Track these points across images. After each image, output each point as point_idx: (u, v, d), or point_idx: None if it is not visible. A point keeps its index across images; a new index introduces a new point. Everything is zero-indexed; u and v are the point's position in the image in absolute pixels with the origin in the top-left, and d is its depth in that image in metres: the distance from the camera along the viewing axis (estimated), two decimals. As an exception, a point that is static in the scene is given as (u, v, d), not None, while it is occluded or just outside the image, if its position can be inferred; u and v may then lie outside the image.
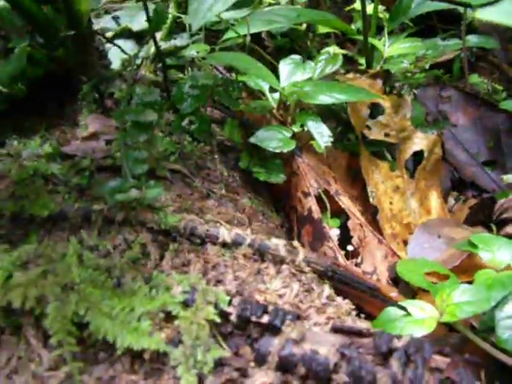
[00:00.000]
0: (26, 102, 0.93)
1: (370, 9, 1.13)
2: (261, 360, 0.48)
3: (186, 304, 0.51)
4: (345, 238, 0.87)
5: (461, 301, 0.72)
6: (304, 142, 0.91)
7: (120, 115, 0.68)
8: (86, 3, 0.74)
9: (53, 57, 0.86)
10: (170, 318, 0.51)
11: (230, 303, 0.51)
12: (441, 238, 0.94)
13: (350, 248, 0.83)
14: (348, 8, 1.31)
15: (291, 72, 0.87)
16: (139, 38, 1.01)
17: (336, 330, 0.51)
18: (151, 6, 1.16)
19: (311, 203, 0.86)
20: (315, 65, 0.89)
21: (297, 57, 0.90)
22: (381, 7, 1.21)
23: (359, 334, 0.51)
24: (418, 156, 1.02)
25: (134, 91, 0.69)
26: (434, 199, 1.02)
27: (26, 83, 0.91)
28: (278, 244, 0.66)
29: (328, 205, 0.86)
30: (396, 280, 0.90)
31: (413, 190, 0.99)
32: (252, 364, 0.49)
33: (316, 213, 0.86)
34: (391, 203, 0.96)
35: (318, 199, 0.87)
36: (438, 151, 1.02)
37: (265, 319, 0.50)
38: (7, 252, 0.61)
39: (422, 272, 0.83)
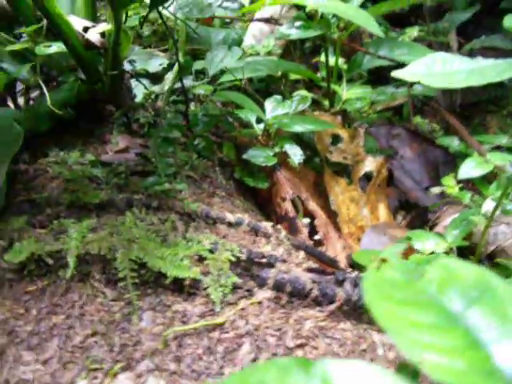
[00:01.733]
0: (64, 123, 1.18)
1: (332, 60, 1.44)
2: (262, 283, 0.74)
3: (211, 251, 0.77)
4: (312, 234, 1.15)
5: (396, 271, 1.00)
6: (281, 160, 1.19)
7: (154, 132, 0.95)
8: (127, 51, 1.02)
9: (92, 89, 1.12)
10: (201, 259, 0.76)
11: (240, 252, 0.77)
12: (386, 235, 1.23)
13: (317, 237, 1.10)
14: (314, 60, 1.63)
15: (274, 108, 1.16)
16: (153, 78, 1.29)
17: (309, 269, 0.78)
18: (159, 54, 1.45)
19: (288, 206, 1.14)
20: (290, 103, 1.19)
21: (278, 97, 1.19)
22: (342, 59, 1.54)
23: (325, 272, 0.78)
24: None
25: (165, 116, 0.96)
26: (382, 209, 1.31)
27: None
28: (266, 225, 0.93)
29: (300, 207, 1.14)
30: (352, 266, 1.17)
31: (365, 201, 1.28)
32: (256, 288, 0.74)
33: (291, 213, 1.13)
34: (348, 210, 1.24)
35: (293, 203, 1.14)
36: (384, 172, 1.32)
37: (263, 260, 0.76)
38: (76, 224, 0.86)
39: (371, 258, 1.11)
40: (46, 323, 0.79)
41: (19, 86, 1.42)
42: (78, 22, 1.06)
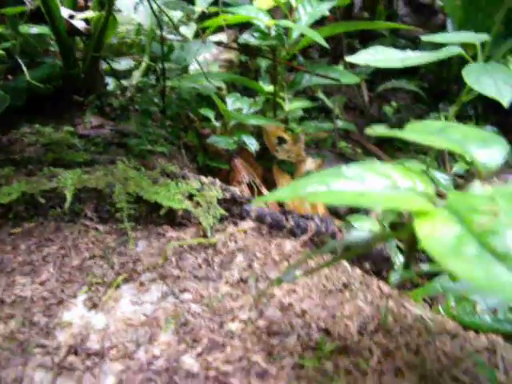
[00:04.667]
0: (35, 104, 1.24)
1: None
2: (245, 215, 0.86)
3: (199, 190, 0.88)
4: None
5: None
6: (237, 152, 1.34)
7: (138, 103, 1.05)
8: (111, 37, 1.13)
9: (67, 74, 1.21)
10: (191, 196, 0.87)
11: (223, 193, 0.89)
12: (325, 224, 1.39)
13: (271, 214, 1.23)
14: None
15: (234, 102, 1.32)
16: (121, 74, 1.40)
17: (282, 211, 0.91)
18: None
19: (244, 188, 1.27)
20: (247, 100, 1.35)
21: (237, 94, 1.35)
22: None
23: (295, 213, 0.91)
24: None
25: (146, 93, 1.08)
26: (320, 204, 1.48)
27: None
28: (235, 188, 1.05)
29: (255, 190, 1.28)
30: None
31: (305, 196, 1.45)
32: (240, 220, 0.86)
33: (247, 195, 1.26)
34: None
35: (249, 186, 1.28)
36: (321, 173, 1.51)
37: (243, 199, 0.88)
38: (66, 170, 0.92)
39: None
40: (38, 255, 0.83)
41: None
42: (63, 10, 1.16)
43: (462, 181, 1.86)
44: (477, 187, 0.46)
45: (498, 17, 1.07)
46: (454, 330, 0.73)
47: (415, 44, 2.73)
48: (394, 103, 2.45)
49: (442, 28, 3.11)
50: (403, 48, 2.68)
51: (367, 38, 2.72)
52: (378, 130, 0.53)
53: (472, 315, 0.78)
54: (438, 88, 2.63)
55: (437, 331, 0.71)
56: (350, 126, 2.16)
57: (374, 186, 0.45)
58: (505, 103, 0.85)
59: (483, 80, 0.92)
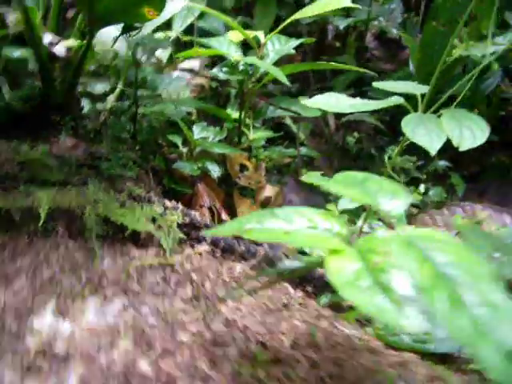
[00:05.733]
0: (12, 122, 1.32)
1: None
2: (201, 239, 0.96)
3: (161, 215, 0.98)
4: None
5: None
6: (201, 177, 1.44)
7: (109, 129, 1.15)
8: (90, 64, 1.23)
9: (45, 95, 1.30)
10: (154, 220, 0.97)
11: (183, 218, 0.99)
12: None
13: (229, 236, 1.34)
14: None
15: (200, 131, 1.43)
16: (96, 97, 1.49)
17: (235, 237, 1.02)
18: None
19: (205, 212, 1.37)
20: (213, 129, 1.46)
21: (204, 123, 1.47)
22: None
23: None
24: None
25: (119, 118, 1.17)
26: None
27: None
28: (196, 213, 1.15)
29: (216, 214, 1.38)
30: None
31: (263, 220, 1.56)
32: (196, 243, 0.96)
33: (208, 218, 1.37)
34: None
35: (210, 210, 1.38)
36: (280, 199, 1.63)
37: (202, 225, 0.99)
38: (39, 189, 1.01)
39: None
40: (11, 267, 0.92)
41: None
42: (45, 36, 1.25)
43: (416, 210, 2.00)
44: (380, 232, 0.57)
45: (439, 67, 1.21)
46: (376, 348, 0.85)
47: (382, 77, 2.90)
48: (356, 134, 2.60)
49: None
50: (370, 80, 2.84)
51: (337, 70, 2.88)
52: (310, 178, 0.65)
53: (394, 335, 0.90)
54: (399, 121, 2.79)
55: (361, 348, 0.82)
56: (313, 153, 2.29)
57: (298, 226, 0.57)
58: (432, 152, 0.98)
59: (418, 131, 1.05)
